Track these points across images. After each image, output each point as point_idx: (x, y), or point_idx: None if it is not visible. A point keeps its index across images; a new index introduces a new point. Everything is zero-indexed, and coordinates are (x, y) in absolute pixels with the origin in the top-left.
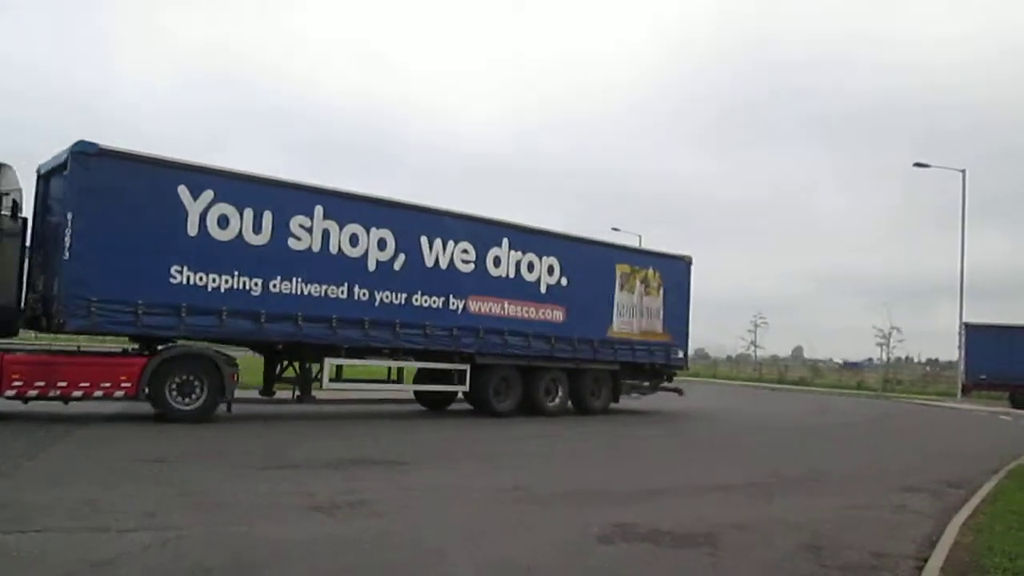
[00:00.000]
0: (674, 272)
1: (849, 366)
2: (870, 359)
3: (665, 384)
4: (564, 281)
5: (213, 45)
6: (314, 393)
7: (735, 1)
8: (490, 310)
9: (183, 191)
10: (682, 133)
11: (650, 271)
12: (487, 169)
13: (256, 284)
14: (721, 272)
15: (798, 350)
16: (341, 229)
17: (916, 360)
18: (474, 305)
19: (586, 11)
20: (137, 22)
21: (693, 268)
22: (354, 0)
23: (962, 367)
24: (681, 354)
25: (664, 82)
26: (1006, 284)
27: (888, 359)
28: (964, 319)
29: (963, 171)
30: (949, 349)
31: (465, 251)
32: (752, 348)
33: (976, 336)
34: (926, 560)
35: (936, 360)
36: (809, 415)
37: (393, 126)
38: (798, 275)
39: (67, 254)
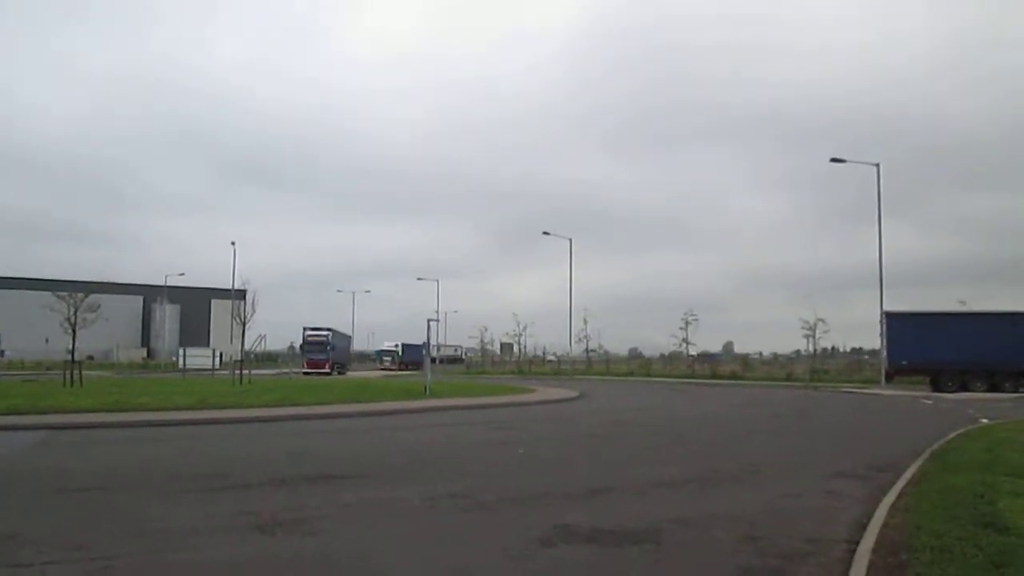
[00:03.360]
0: None
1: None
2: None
3: None
4: None
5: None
6: None
7: (645, 9)
8: None
9: None
10: (599, 139)
11: None
12: (407, 175)
13: None
14: (652, 272)
15: (728, 345)
16: None
17: (841, 350)
18: None
19: (501, 24)
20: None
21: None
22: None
23: (884, 354)
24: None
25: (582, 89)
26: (919, 272)
27: (815, 350)
28: (884, 308)
29: (877, 165)
30: (872, 338)
31: None
32: (684, 345)
33: (896, 324)
34: (858, 543)
35: (860, 349)
36: (742, 408)
37: (307, 140)
38: (726, 273)
39: None
